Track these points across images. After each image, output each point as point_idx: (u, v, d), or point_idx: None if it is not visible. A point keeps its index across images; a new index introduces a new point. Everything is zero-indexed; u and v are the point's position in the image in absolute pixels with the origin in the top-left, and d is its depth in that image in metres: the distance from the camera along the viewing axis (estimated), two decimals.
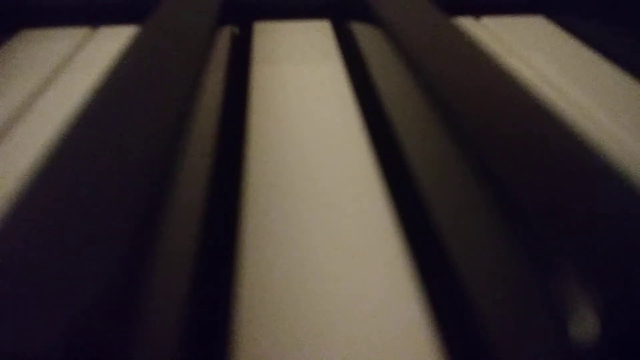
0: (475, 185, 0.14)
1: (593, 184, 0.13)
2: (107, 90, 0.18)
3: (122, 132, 0.15)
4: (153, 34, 0.23)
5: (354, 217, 0.18)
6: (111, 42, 0.33)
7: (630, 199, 0.13)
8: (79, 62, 0.31)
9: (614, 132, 0.24)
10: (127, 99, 0.17)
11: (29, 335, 0.09)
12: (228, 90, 0.27)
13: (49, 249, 0.11)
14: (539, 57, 0.31)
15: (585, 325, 0.10)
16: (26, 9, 0.36)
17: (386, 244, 0.17)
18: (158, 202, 0.13)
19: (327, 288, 0.16)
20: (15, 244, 0.11)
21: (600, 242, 0.12)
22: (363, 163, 0.21)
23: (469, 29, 0.36)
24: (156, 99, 0.17)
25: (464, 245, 0.15)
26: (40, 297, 0.10)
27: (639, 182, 0.14)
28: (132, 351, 0.10)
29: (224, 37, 0.28)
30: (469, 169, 0.15)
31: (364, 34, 0.30)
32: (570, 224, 0.12)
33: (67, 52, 0.32)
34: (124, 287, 0.10)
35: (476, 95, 0.17)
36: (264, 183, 0.20)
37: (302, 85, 0.27)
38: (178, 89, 0.18)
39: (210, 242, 0.18)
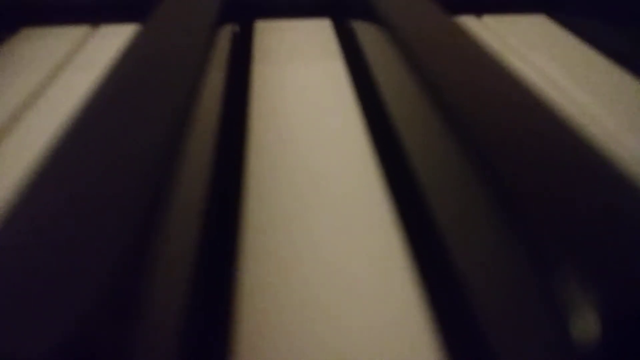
0: (476, 184, 0.14)
1: (594, 183, 0.13)
2: (107, 89, 0.18)
3: (122, 131, 0.15)
4: (154, 32, 0.23)
5: (355, 217, 0.18)
6: (112, 41, 0.33)
7: (631, 198, 0.13)
8: (80, 61, 0.31)
9: (615, 131, 0.24)
10: (128, 98, 0.17)
11: (29, 336, 0.09)
12: (229, 89, 0.27)
13: (49, 249, 0.11)
14: (541, 56, 0.31)
15: (585, 324, 0.10)
16: (26, 7, 0.36)
17: (387, 244, 0.17)
18: (158, 202, 0.13)
19: (328, 288, 0.16)
20: (15, 243, 0.11)
21: (600, 241, 0.11)
22: (364, 162, 0.21)
23: (471, 27, 0.35)
24: (157, 97, 0.17)
25: (465, 244, 0.15)
26: (40, 297, 0.10)
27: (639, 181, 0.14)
28: (132, 351, 0.10)
29: (225, 36, 0.28)
30: (470, 168, 0.15)
31: (365, 32, 0.30)
32: (571, 224, 0.12)
33: (67, 50, 0.32)
34: (124, 288, 0.10)
35: (478, 94, 0.17)
36: (265, 182, 0.20)
37: (303, 83, 0.27)
38: (179, 88, 0.18)
39: (210, 242, 0.18)
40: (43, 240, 0.11)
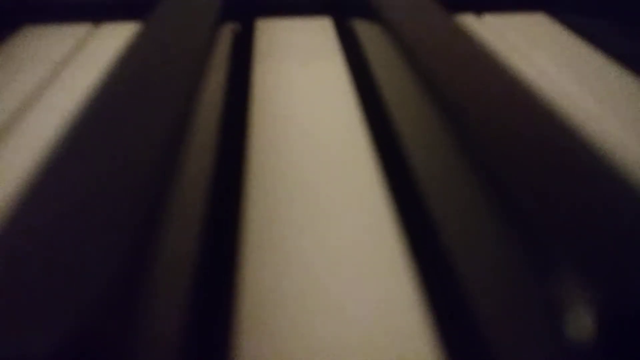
0: (476, 185, 0.14)
1: (594, 183, 0.14)
2: (109, 87, 0.18)
3: (123, 131, 0.15)
4: (155, 31, 0.23)
5: (356, 218, 0.18)
6: (113, 39, 0.33)
7: (631, 199, 0.13)
8: (81, 59, 0.31)
9: (616, 130, 0.24)
10: (129, 97, 0.17)
11: (29, 335, 0.09)
12: (229, 87, 0.27)
13: (50, 248, 0.11)
14: (541, 55, 0.31)
15: (584, 325, 0.10)
16: (28, 5, 0.36)
17: (387, 245, 0.17)
18: (159, 202, 0.13)
19: (328, 288, 0.16)
20: (16, 243, 0.11)
21: (600, 242, 0.12)
22: (364, 161, 0.21)
23: (471, 26, 0.35)
24: (158, 96, 0.17)
25: (464, 245, 0.15)
26: (41, 296, 0.10)
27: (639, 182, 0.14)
28: (133, 352, 0.10)
29: (226, 34, 0.28)
30: (470, 167, 0.15)
31: (366, 31, 0.30)
32: (570, 224, 0.12)
33: (69, 48, 0.32)
34: (126, 288, 0.10)
35: (477, 93, 0.17)
36: (266, 182, 0.20)
37: (303, 82, 0.27)
38: (180, 87, 0.18)
39: (211, 242, 0.18)
40: (43, 240, 0.11)
